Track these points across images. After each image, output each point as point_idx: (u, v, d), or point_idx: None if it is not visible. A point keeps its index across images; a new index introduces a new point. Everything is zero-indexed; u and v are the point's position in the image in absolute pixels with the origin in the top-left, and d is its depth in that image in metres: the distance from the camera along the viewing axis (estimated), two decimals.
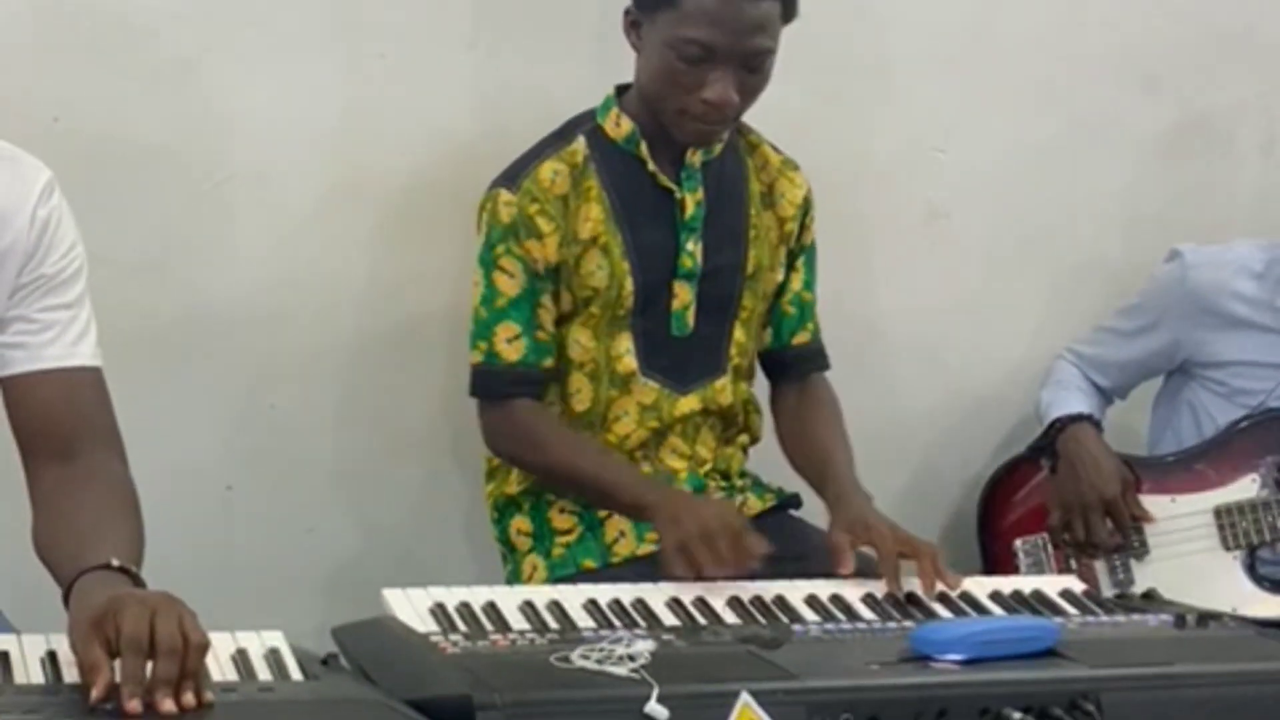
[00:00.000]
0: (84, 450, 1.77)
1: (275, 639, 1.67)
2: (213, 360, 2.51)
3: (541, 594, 1.91)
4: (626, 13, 2.27)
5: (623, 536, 2.33)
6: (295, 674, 1.60)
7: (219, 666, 1.59)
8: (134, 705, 1.42)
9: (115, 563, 1.63)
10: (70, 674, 1.54)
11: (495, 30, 2.58)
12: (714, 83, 2.19)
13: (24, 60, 2.28)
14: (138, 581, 1.64)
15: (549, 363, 2.32)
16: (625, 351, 2.35)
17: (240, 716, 1.47)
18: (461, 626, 1.78)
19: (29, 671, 1.55)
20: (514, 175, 2.30)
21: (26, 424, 1.78)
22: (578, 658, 1.66)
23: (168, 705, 1.43)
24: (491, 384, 2.32)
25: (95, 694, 1.44)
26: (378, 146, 2.54)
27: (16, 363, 1.77)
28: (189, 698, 1.44)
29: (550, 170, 2.29)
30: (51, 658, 1.57)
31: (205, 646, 1.50)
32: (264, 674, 1.59)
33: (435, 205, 2.56)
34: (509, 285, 2.29)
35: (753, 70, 2.22)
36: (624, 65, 2.33)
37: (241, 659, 1.62)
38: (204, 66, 2.43)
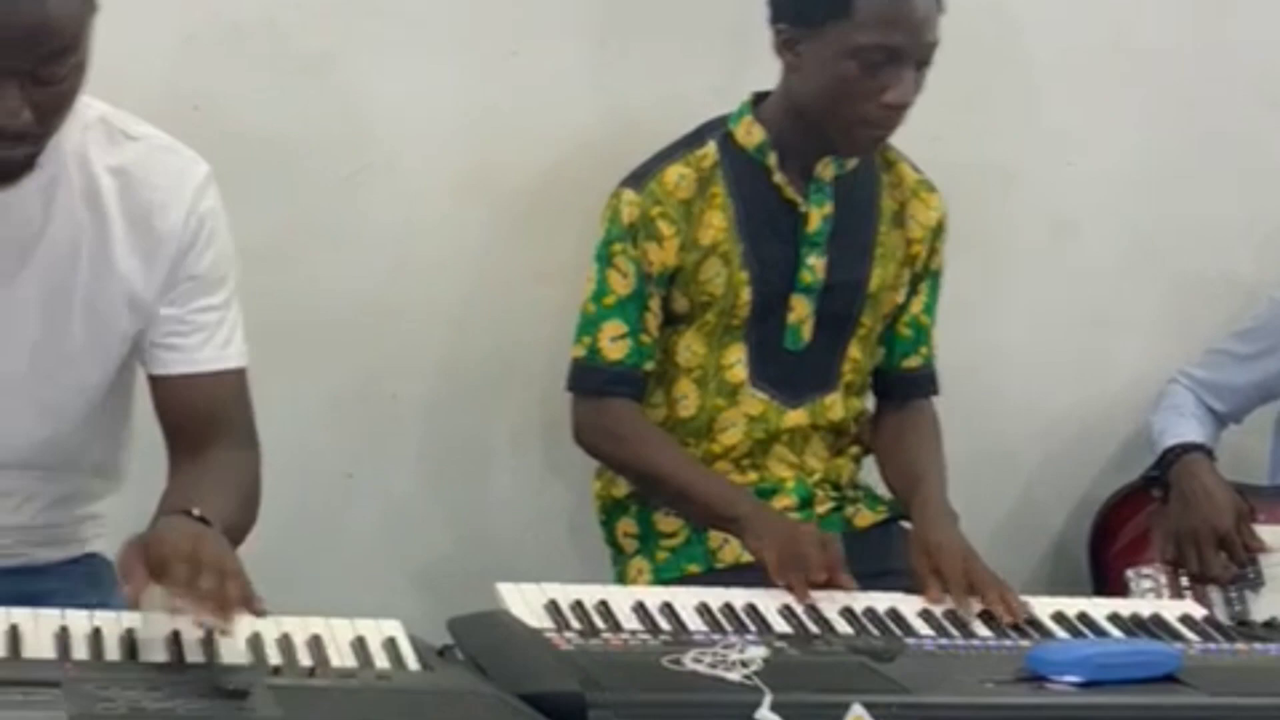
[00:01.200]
0: (218, 447, 1.83)
1: (393, 628, 1.69)
2: (337, 348, 2.54)
3: (653, 595, 1.91)
4: (779, 32, 2.25)
5: (727, 543, 2.32)
6: (412, 663, 1.62)
7: (338, 652, 1.62)
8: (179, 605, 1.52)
9: (195, 511, 1.68)
10: (192, 653, 1.58)
11: (626, 30, 2.59)
12: (894, 85, 2.18)
13: (165, 50, 2.32)
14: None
15: (649, 366, 2.32)
16: (736, 361, 2.34)
17: (358, 703, 1.49)
18: (574, 624, 1.79)
19: (153, 649, 1.57)
20: (641, 176, 2.31)
21: (172, 423, 1.84)
22: (690, 660, 1.66)
23: (222, 620, 1.52)
24: (589, 380, 2.32)
25: (128, 592, 1.54)
26: (506, 143, 2.55)
27: (169, 364, 1.83)
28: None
29: (676, 174, 2.29)
30: (175, 637, 1.60)
31: (242, 573, 1.58)
32: (381, 662, 1.61)
33: (560, 204, 2.57)
34: (621, 285, 2.30)
35: (923, 66, 2.22)
36: (758, 71, 2.33)
37: (360, 646, 1.64)
38: (339, 60, 2.47)
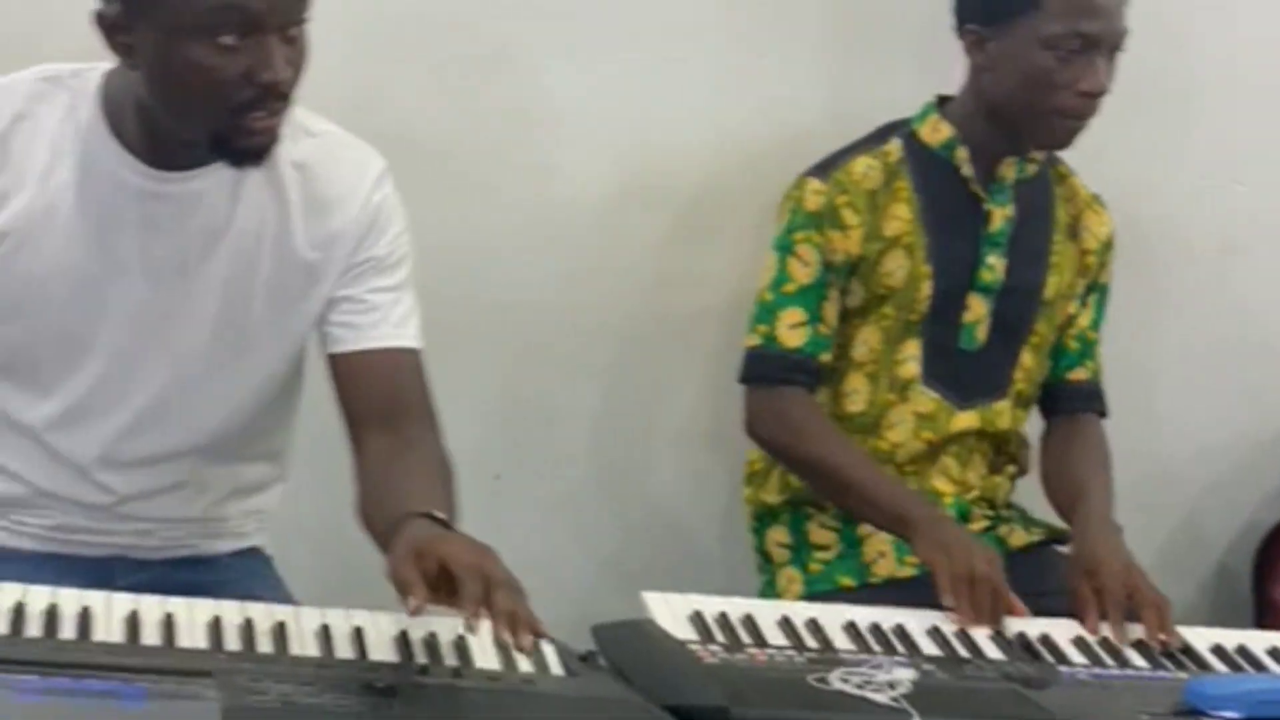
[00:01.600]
0: (406, 424, 1.83)
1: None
2: (489, 348, 2.56)
3: (800, 611, 1.89)
4: (967, 33, 2.25)
5: (882, 557, 2.29)
6: (555, 668, 1.62)
7: (483, 654, 1.62)
8: (477, 623, 1.51)
9: (438, 514, 1.69)
10: (342, 649, 1.59)
11: (791, 38, 2.57)
12: (1089, 73, 2.18)
13: (334, 49, 2.34)
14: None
15: (826, 357, 2.30)
16: (910, 357, 2.32)
17: (504, 707, 1.49)
18: (719, 637, 1.78)
19: (304, 643, 1.59)
20: (826, 166, 2.30)
21: (353, 399, 1.85)
22: (836, 680, 1.64)
23: (524, 637, 1.51)
24: (765, 368, 2.29)
25: (412, 605, 1.51)
26: (670, 148, 2.55)
27: (345, 341, 1.85)
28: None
29: (864, 165, 2.29)
30: (325, 631, 1.62)
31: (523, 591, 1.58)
32: (525, 666, 1.61)
33: (721, 210, 2.56)
34: (802, 273, 2.28)
35: (1115, 53, 2.21)
36: (918, 81, 2.31)
37: (504, 649, 1.64)
38: (511, 61, 2.48)
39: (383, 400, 1.85)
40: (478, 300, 2.53)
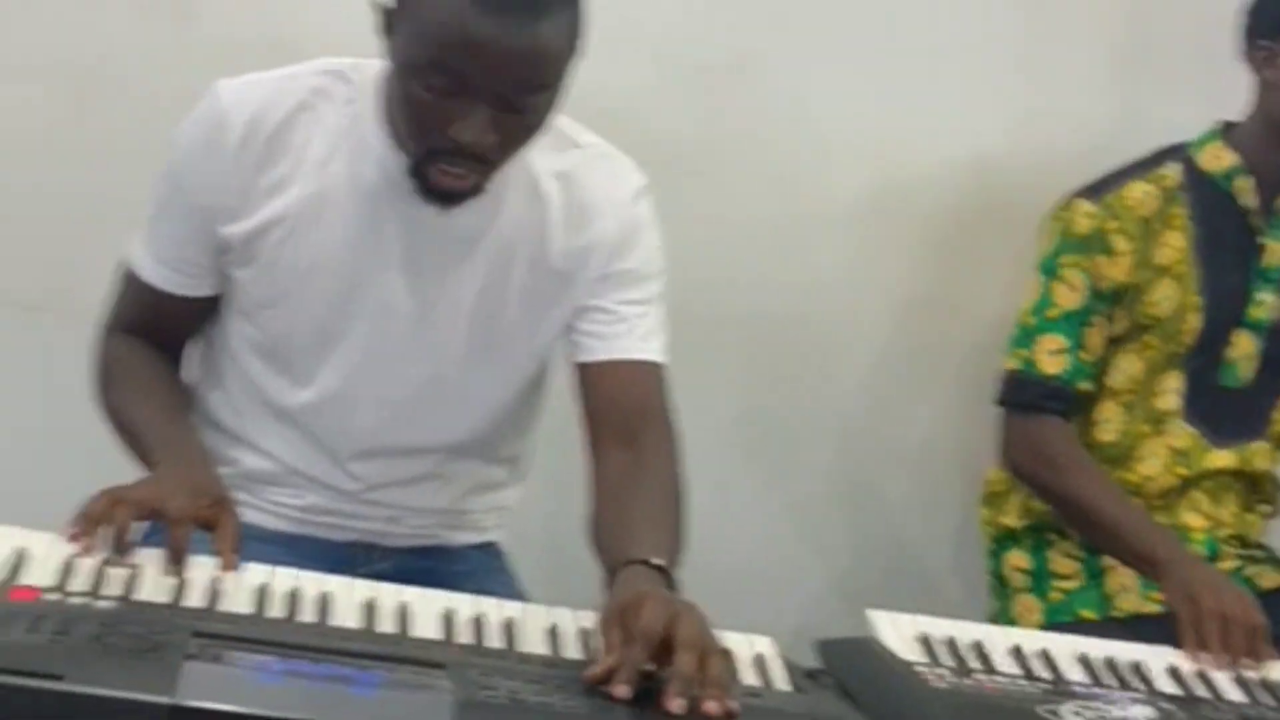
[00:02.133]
0: (645, 439, 1.84)
1: (763, 644, 1.68)
2: (724, 356, 2.56)
3: (1032, 640, 1.84)
4: (1259, 49, 2.18)
5: (1126, 591, 2.24)
6: (781, 683, 1.61)
7: None
8: (678, 705, 1.41)
9: (655, 560, 1.67)
10: (569, 649, 1.60)
11: (1047, 52, 2.52)
12: None
13: (586, 60, 2.37)
14: (670, 580, 1.66)
15: (1086, 385, 2.25)
16: (1170, 390, 2.26)
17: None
18: (947, 661, 1.75)
19: (533, 641, 1.61)
20: (1098, 189, 2.25)
21: (595, 409, 1.86)
22: (1069, 713, 1.60)
23: (715, 707, 1.41)
24: (1022, 393, 2.26)
25: (593, 672, 1.46)
26: (920, 160, 2.53)
27: (592, 350, 1.87)
28: (728, 704, 1.43)
29: (1140, 190, 2.23)
30: (553, 631, 1.63)
31: (727, 654, 1.52)
32: (751, 678, 1.60)
33: (973, 227, 2.54)
34: (1067, 298, 2.23)
35: None
36: (1193, 102, 2.26)
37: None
38: (760, 67, 2.48)
39: (623, 412, 1.86)
40: (720, 311, 2.53)
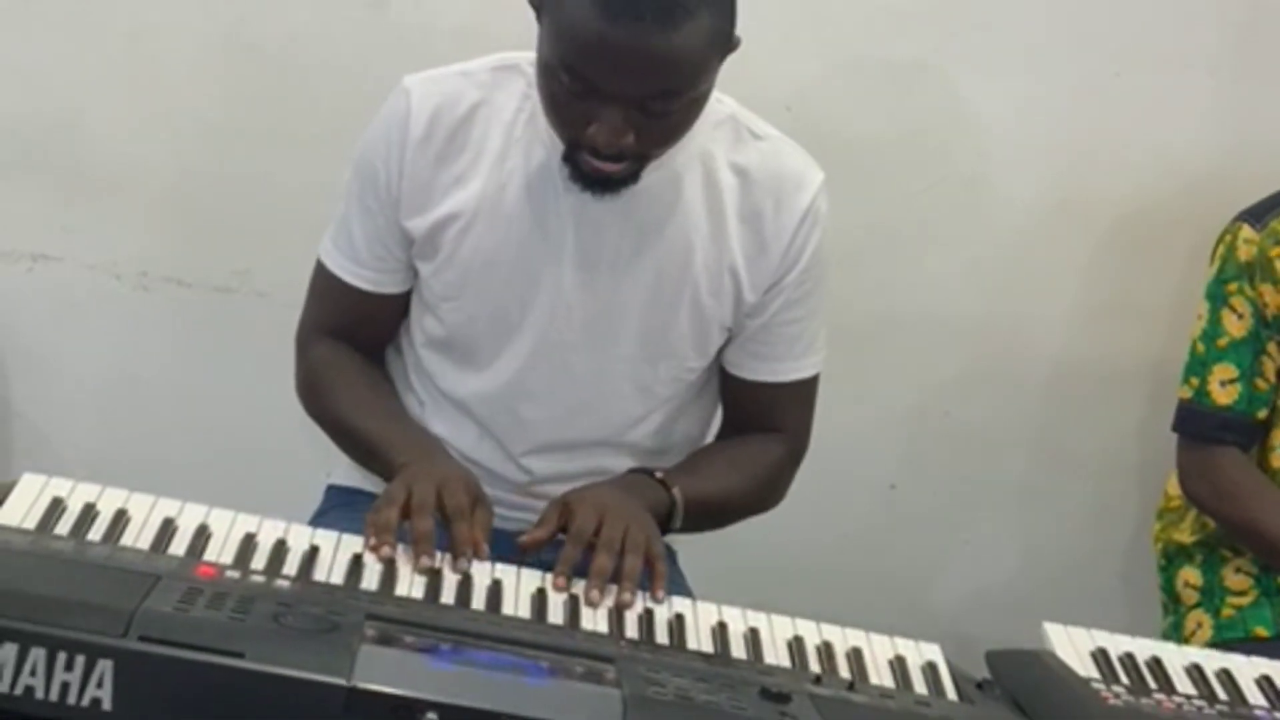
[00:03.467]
0: (755, 433, 1.93)
1: (933, 652, 1.65)
2: (897, 358, 2.54)
3: (1211, 659, 1.79)
4: None
5: None
6: (950, 693, 1.58)
7: (876, 669, 1.60)
8: (594, 596, 1.61)
9: (658, 474, 1.82)
10: (736, 648, 1.59)
11: (1240, 57, 2.45)
12: None
13: (761, 49, 2.35)
14: (671, 501, 1.80)
15: (1263, 414, 2.20)
16: None
17: None
18: (1124, 678, 1.70)
19: (700, 638, 1.60)
20: (1262, 213, 2.19)
21: (735, 418, 1.97)
22: None
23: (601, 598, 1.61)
24: (1197, 424, 2.22)
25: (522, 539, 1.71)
26: (1101, 166, 2.48)
27: (743, 369, 1.92)
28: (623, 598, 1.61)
29: None
30: (721, 629, 1.62)
31: (650, 555, 1.67)
32: (920, 687, 1.58)
33: (1157, 234, 2.48)
34: (1235, 326, 2.18)
35: None
36: None
37: (899, 666, 1.61)
38: (936, 69, 2.45)
39: (760, 421, 1.93)
40: (892, 308, 2.51)
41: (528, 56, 1.79)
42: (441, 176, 1.81)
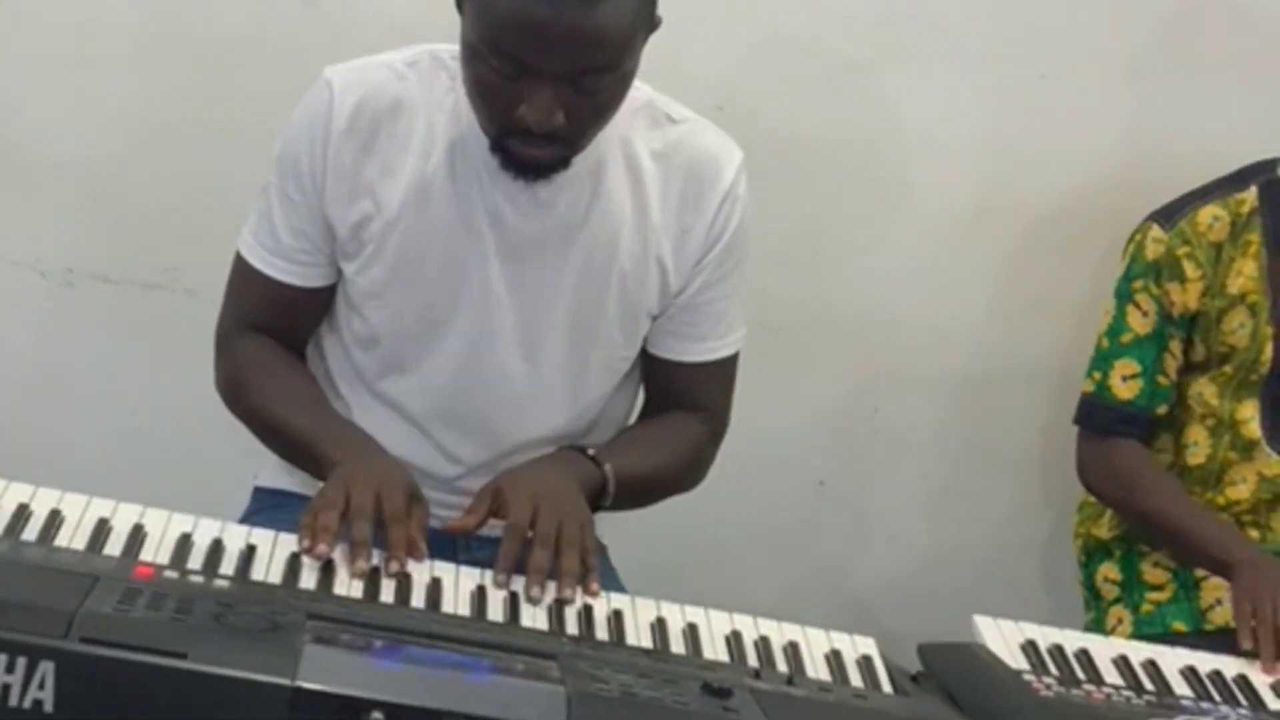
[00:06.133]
0: (677, 412, 1.95)
1: (868, 646, 1.68)
2: (825, 356, 2.56)
3: (1138, 651, 1.83)
4: None
5: (1219, 604, 2.22)
6: (886, 686, 1.60)
7: (813, 663, 1.62)
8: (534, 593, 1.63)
9: (590, 452, 1.83)
10: (676, 643, 1.60)
11: (1162, 62, 2.49)
12: None
13: (697, 48, 2.37)
14: (602, 475, 1.82)
15: (1163, 409, 2.24)
16: (1250, 418, 2.23)
17: (836, 719, 1.48)
18: (1053, 669, 1.73)
19: (640, 635, 1.61)
20: (1171, 213, 2.22)
21: (658, 396, 1.97)
22: None
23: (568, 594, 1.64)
24: (1097, 417, 2.26)
25: (450, 522, 1.75)
26: (1025, 167, 2.51)
27: (669, 350, 1.93)
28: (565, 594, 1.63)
29: (1210, 215, 2.20)
30: (660, 624, 1.63)
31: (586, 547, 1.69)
32: (856, 680, 1.60)
33: (1078, 235, 2.51)
34: (1140, 323, 2.22)
35: None
36: None
37: (835, 660, 1.63)
38: (870, 71, 2.47)
39: (682, 401, 1.94)
40: (821, 307, 2.53)
41: (451, 50, 1.78)
42: (366, 168, 1.80)
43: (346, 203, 1.81)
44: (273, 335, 1.89)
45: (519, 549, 1.67)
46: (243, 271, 1.88)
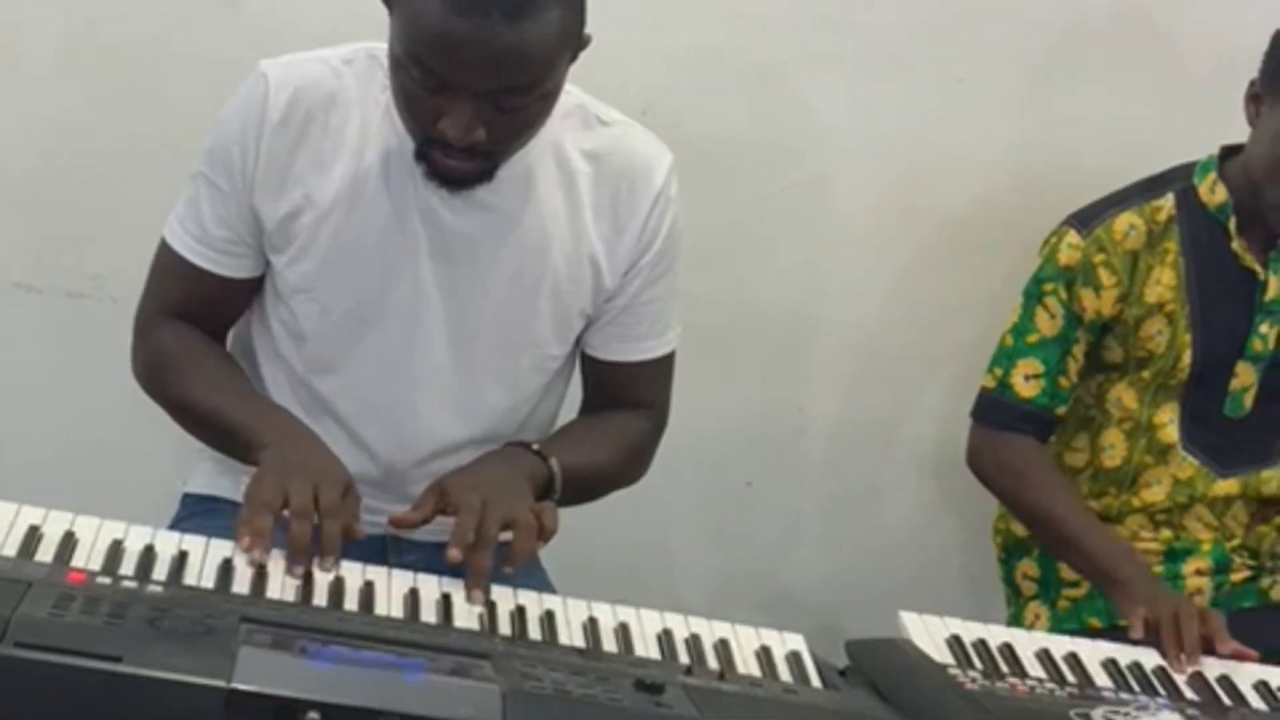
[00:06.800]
0: (619, 410, 1.97)
1: (796, 642, 1.70)
2: (751, 357, 2.58)
3: (1059, 644, 1.86)
4: (1251, 84, 2.15)
5: None
6: (815, 681, 1.63)
7: (743, 659, 1.64)
8: (476, 596, 1.64)
9: (534, 447, 1.83)
10: (608, 642, 1.62)
11: (1076, 64, 2.53)
12: None
13: (620, 52, 2.39)
14: (549, 471, 1.83)
15: (1061, 410, 2.26)
16: (1168, 422, 2.27)
17: (768, 714, 1.50)
18: (978, 663, 1.77)
19: (572, 634, 1.63)
20: (1089, 218, 2.24)
21: (595, 392, 1.99)
22: (1099, 718, 1.62)
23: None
24: (996, 413, 2.28)
25: (390, 517, 1.77)
26: (942, 168, 2.54)
27: (606, 350, 1.95)
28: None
29: (1127, 224, 2.22)
30: (591, 624, 1.65)
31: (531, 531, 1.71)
32: (785, 675, 1.63)
33: (988, 236, 2.55)
34: (1047, 324, 2.25)
35: None
36: (1203, 121, 2.24)
37: (765, 656, 1.66)
38: (787, 72, 2.49)
39: (623, 399, 1.96)
40: (746, 308, 2.55)
41: (385, 48, 1.78)
42: (298, 161, 1.80)
43: (276, 195, 1.81)
44: (195, 323, 1.89)
45: (473, 525, 1.67)
46: (167, 259, 1.88)
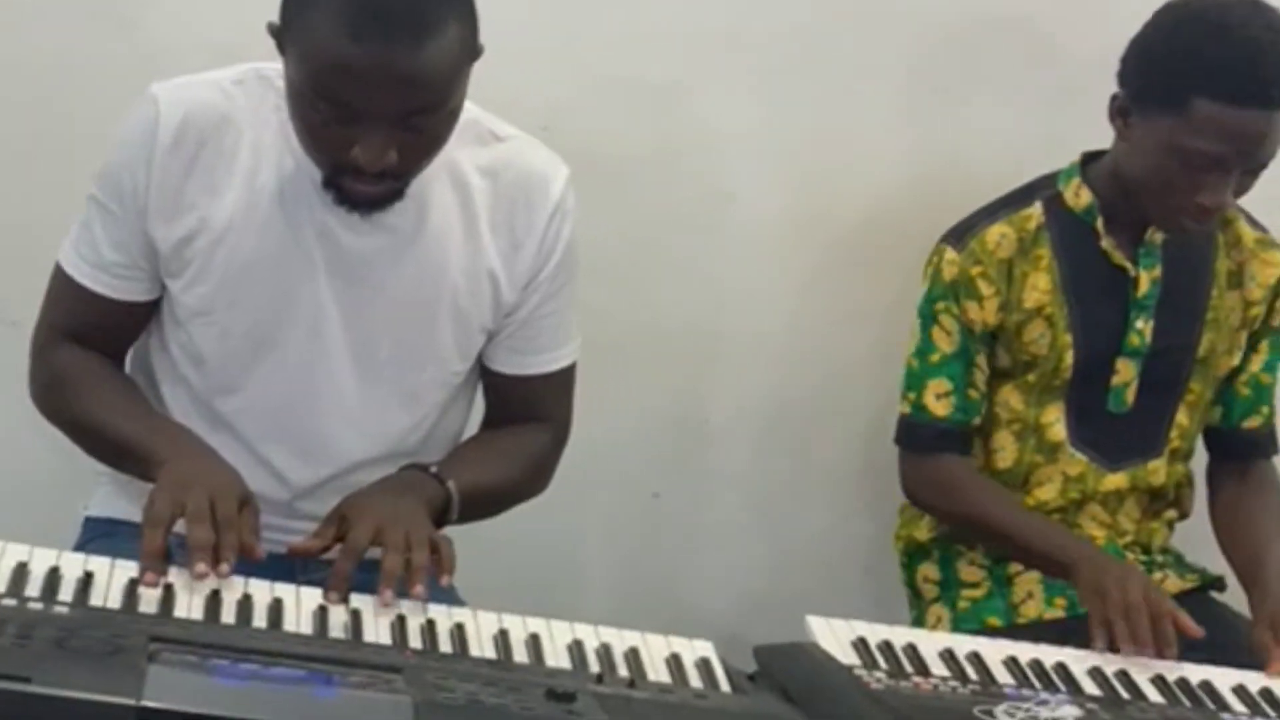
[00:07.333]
0: (520, 424, 1.98)
1: (705, 649, 1.72)
2: (656, 369, 2.59)
3: (962, 643, 1.90)
4: (1115, 96, 2.19)
5: (1030, 598, 2.30)
6: (724, 686, 1.65)
7: (653, 667, 1.66)
8: (387, 596, 1.66)
9: (433, 469, 1.85)
10: (519, 653, 1.63)
11: (962, 78, 2.58)
12: (1212, 189, 2.10)
13: (517, 68, 2.40)
14: (445, 491, 1.85)
15: (977, 420, 2.31)
16: (1055, 421, 2.31)
17: (679, 719, 1.52)
18: (883, 664, 1.79)
19: (483, 646, 1.64)
20: (962, 233, 2.29)
21: (496, 408, 2.01)
22: (1002, 714, 1.65)
23: (419, 591, 1.68)
24: (917, 436, 2.32)
25: (290, 546, 1.79)
26: (837, 181, 2.57)
27: (507, 365, 1.96)
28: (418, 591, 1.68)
29: (998, 234, 2.26)
30: (503, 635, 1.66)
31: (437, 544, 1.74)
32: (695, 681, 1.64)
33: (885, 245, 2.58)
34: (945, 342, 2.29)
35: (1251, 175, 2.14)
36: (1089, 130, 2.28)
37: (675, 663, 1.67)
38: (684, 87, 2.52)
39: (524, 412, 1.97)
40: (651, 321, 2.57)
41: (277, 68, 1.78)
42: (191, 185, 1.80)
43: (170, 219, 1.81)
44: (92, 345, 1.89)
45: (352, 569, 1.68)
46: (62, 283, 1.88)
